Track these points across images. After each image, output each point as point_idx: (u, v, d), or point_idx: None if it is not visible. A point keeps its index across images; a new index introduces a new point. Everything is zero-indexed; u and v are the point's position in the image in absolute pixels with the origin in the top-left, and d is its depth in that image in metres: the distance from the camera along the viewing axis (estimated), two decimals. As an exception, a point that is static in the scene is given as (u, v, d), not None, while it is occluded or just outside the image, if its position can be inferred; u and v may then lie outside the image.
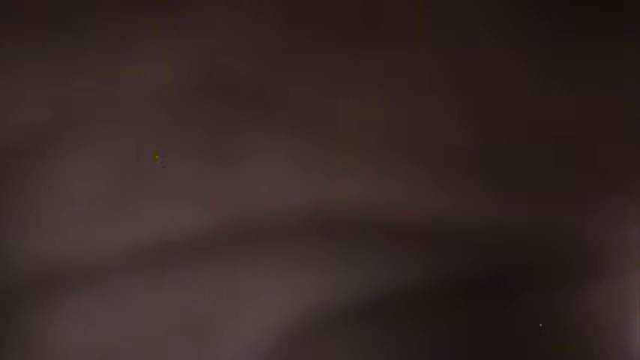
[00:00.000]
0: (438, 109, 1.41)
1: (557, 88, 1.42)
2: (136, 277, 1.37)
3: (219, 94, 1.41)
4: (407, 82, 1.42)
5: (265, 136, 1.40)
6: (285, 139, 1.40)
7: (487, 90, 1.42)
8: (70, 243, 1.38)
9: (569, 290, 1.39)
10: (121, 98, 1.40)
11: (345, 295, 1.38)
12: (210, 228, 1.38)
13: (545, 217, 1.40)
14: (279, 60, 1.41)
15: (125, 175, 1.38)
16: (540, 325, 1.38)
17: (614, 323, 1.38)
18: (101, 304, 1.37)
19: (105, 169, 1.39)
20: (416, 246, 1.39)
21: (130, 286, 1.37)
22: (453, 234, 1.39)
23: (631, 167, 1.41)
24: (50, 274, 1.37)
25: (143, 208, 1.38)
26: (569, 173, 1.41)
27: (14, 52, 1.40)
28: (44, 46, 1.40)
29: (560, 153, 1.41)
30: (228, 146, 1.40)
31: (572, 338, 1.38)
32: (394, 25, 1.43)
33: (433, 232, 1.39)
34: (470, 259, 1.39)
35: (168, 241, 1.38)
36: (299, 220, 1.39)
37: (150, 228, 1.38)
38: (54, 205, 1.38)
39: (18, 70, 1.40)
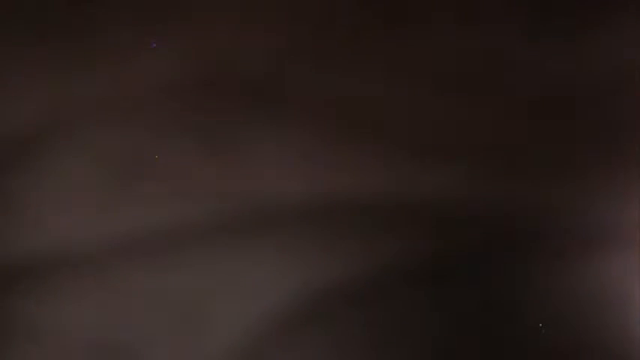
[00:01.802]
0: (437, 97, 1.41)
1: (558, 65, 1.42)
2: (135, 267, 1.38)
3: (220, 91, 1.41)
4: (407, 73, 1.42)
5: (267, 132, 1.40)
6: (287, 134, 1.40)
7: (484, 69, 1.42)
8: (68, 234, 1.38)
9: (567, 269, 1.39)
10: (121, 95, 1.40)
11: (347, 285, 1.38)
12: (210, 220, 1.38)
13: (544, 196, 1.40)
14: (280, 55, 1.42)
15: (125, 169, 1.39)
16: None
17: (614, 303, 1.38)
18: (99, 293, 1.37)
19: (105, 163, 1.39)
20: (417, 232, 1.39)
21: (128, 276, 1.37)
22: (454, 218, 1.39)
23: (633, 144, 1.40)
24: (48, 264, 1.37)
25: (142, 201, 1.38)
26: (568, 150, 1.41)
27: (12, 50, 1.40)
28: (43, 43, 1.40)
29: (560, 130, 1.41)
30: (228, 141, 1.40)
31: (571, 322, 1.38)
32: (396, 24, 1.43)
33: (435, 218, 1.39)
34: (471, 242, 1.39)
35: (168, 233, 1.38)
36: (300, 214, 1.39)
37: (150, 220, 1.38)
38: (53, 197, 1.38)
39: (16, 68, 1.40)
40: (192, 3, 1.42)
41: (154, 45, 1.41)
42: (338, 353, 1.39)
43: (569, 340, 1.39)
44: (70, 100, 1.40)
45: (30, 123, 1.40)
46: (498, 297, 1.39)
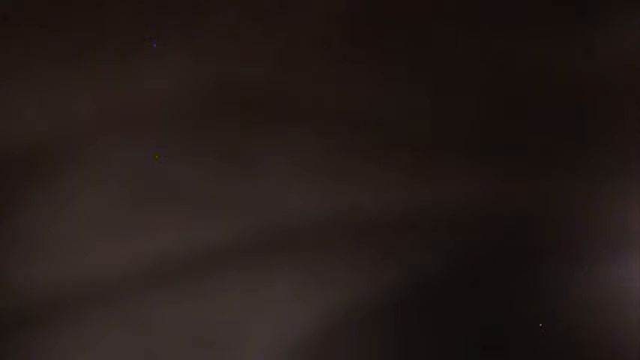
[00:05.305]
0: (439, 101, 1.41)
1: (559, 65, 1.42)
2: (150, 293, 1.36)
3: (227, 100, 1.40)
4: (410, 78, 1.41)
5: (277, 143, 1.39)
6: (297, 145, 1.39)
7: (487, 67, 1.42)
8: (77, 260, 1.36)
9: (568, 271, 1.39)
10: (126, 107, 1.39)
11: (368, 305, 1.38)
12: (225, 240, 1.37)
13: (545, 199, 1.40)
14: (287, 64, 1.41)
15: (134, 187, 1.37)
16: (540, 325, 1.38)
17: (615, 305, 1.39)
18: (106, 326, 1.36)
19: (111, 180, 1.38)
20: (433, 244, 1.39)
21: (143, 303, 1.36)
22: (460, 225, 1.39)
23: (634, 145, 1.40)
24: (57, 293, 1.36)
25: (154, 220, 1.36)
26: (569, 153, 1.41)
27: (14, 59, 1.39)
28: (46, 53, 1.39)
29: (562, 128, 1.41)
30: (239, 154, 1.39)
31: (571, 323, 1.39)
32: (396, 28, 1.43)
33: (444, 228, 1.39)
34: (473, 247, 1.39)
35: (181, 254, 1.37)
36: (316, 228, 1.38)
37: (162, 241, 1.36)
38: (58, 220, 1.37)
39: (18, 79, 1.38)
40: (195, 13, 1.41)
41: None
42: None
43: (569, 341, 1.40)
44: (74, 117, 1.39)
45: (31, 143, 1.38)
46: (499, 298, 1.40)
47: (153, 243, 1.37)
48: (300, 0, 1.42)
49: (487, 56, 1.42)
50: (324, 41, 1.42)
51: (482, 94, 1.41)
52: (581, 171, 1.41)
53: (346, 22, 1.42)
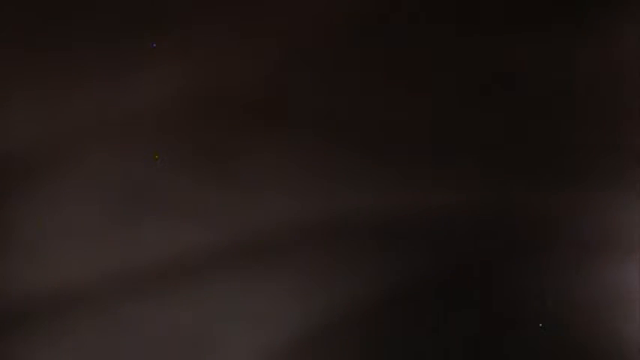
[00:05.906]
0: (438, 104, 1.41)
1: (558, 66, 1.42)
2: (135, 301, 1.35)
3: (219, 108, 1.40)
4: (408, 82, 1.42)
5: (269, 151, 1.39)
6: (290, 152, 1.39)
7: (482, 69, 1.42)
8: (67, 267, 1.36)
9: (568, 272, 1.39)
10: (119, 115, 1.38)
11: (351, 314, 1.37)
12: (212, 248, 1.37)
13: (544, 203, 1.39)
14: (282, 67, 1.41)
15: (124, 196, 1.37)
16: (540, 325, 1.38)
17: (614, 305, 1.38)
18: (98, 330, 1.35)
19: (103, 188, 1.37)
20: (422, 248, 1.38)
21: (128, 311, 1.35)
22: (456, 229, 1.39)
23: (632, 146, 1.40)
24: (45, 300, 1.35)
25: (143, 229, 1.36)
26: (567, 155, 1.41)
27: (10, 67, 1.38)
28: (41, 60, 1.38)
29: (561, 130, 1.41)
30: (229, 163, 1.39)
31: (571, 324, 1.38)
32: (394, 33, 1.43)
33: (441, 232, 1.39)
34: (474, 249, 1.39)
35: (168, 263, 1.37)
36: (303, 237, 1.38)
37: (150, 250, 1.36)
38: (51, 228, 1.36)
39: (14, 85, 1.38)
40: (193, 18, 1.41)
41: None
42: None
43: (569, 341, 1.39)
44: (69, 123, 1.38)
45: (28, 147, 1.38)
46: (500, 299, 1.39)
47: (143, 247, 1.37)
48: (296, 4, 1.42)
49: (484, 58, 1.42)
50: (321, 46, 1.42)
51: (480, 97, 1.42)
52: (581, 173, 1.41)
53: (344, 24, 1.43)
